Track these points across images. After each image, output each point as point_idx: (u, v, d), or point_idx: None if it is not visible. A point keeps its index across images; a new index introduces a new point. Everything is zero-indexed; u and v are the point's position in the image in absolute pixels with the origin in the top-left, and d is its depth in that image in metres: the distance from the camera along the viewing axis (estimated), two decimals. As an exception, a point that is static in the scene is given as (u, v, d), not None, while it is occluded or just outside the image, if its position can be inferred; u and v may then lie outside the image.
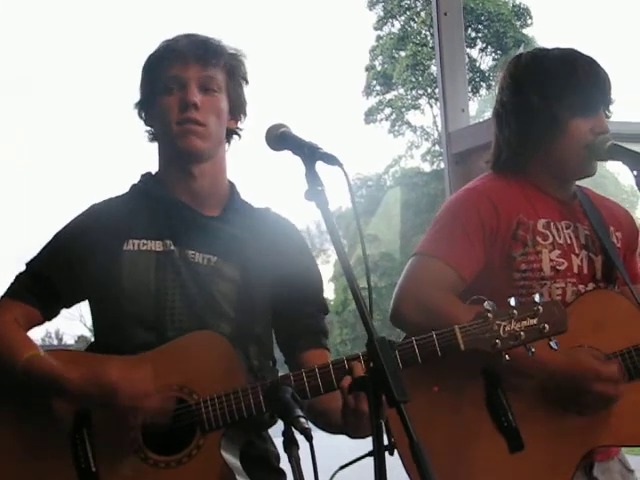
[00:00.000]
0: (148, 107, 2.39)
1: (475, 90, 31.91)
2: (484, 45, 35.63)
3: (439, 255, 2.46)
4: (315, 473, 1.71)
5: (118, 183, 2.52)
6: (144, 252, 2.30)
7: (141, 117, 2.41)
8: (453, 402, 2.43)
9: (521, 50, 2.69)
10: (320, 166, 1.83)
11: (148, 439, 2.14)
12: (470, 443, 2.41)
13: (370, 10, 36.77)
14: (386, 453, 1.67)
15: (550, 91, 2.50)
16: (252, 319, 2.29)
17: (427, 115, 37.32)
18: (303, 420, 1.78)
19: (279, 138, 1.92)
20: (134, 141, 2.46)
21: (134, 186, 2.45)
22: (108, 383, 2.08)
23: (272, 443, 2.40)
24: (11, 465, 2.18)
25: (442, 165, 3.86)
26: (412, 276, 2.47)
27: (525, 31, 35.00)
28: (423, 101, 37.15)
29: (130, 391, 2.07)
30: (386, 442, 1.67)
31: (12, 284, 2.37)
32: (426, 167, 36.85)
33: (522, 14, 34.91)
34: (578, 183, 2.72)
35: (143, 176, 2.45)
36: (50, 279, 2.34)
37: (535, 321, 2.09)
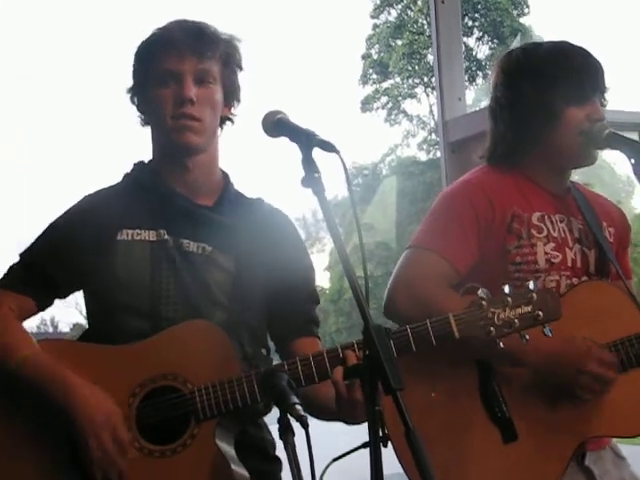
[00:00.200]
0: (141, 94, 2.37)
1: (472, 79, 31.94)
2: (481, 34, 35.62)
3: (434, 248, 2.46)
4: (311, 460, 1.71)
5: (114, 171, 2.51)
6: (138, 242, 2.30)
7: (133, 103, 2.40)
8: (447, 393, 2.44)
9: (518, 39, 2.69)
10: (317, 153, 1.82)
11: (143, 428, 2.14)
12: (464, 433, 2.41)
13: (367, -2, 36.72)
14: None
15: (543, 81, 2.50)
16: (246, 308, 2.30)
17: (423, 104, 37.35)
18: (299, 407, 1.78)
19: (276, 125, 1.91)
20: (130, 129, 2.45)
21: (127, 175, 2.44)
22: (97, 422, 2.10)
23: (268, 431, 2.40)
24: (1, 462, 2.18)
25: (438, 154, 3.87)
26: (406, 269, 2.47)
27: (522, 20, 35.01)
28: (419, 90, 37.17)
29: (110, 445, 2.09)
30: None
31: (6, 275, 2.37)
32: (422, 156, 36.90)
33: (519, 3, 34.90)
34: (574, 175, 2.72)
35: (136, 165, 2.45)
36: (44, 269, 2.33)
37: (529, 308, 2.09)
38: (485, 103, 2.70)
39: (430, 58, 33.67)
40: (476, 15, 35.29)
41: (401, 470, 2.35)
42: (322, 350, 2.12)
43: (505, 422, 2.40)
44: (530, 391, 2.40)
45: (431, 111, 36.21)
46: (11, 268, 2.37)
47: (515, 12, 35.11)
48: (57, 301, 2.41)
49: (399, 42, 36.37)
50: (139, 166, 2.44)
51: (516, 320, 2.08)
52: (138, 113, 2.40)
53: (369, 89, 37.92)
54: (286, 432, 1.75)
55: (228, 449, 2.15)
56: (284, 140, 1.88)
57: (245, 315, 2.30)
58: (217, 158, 2.42)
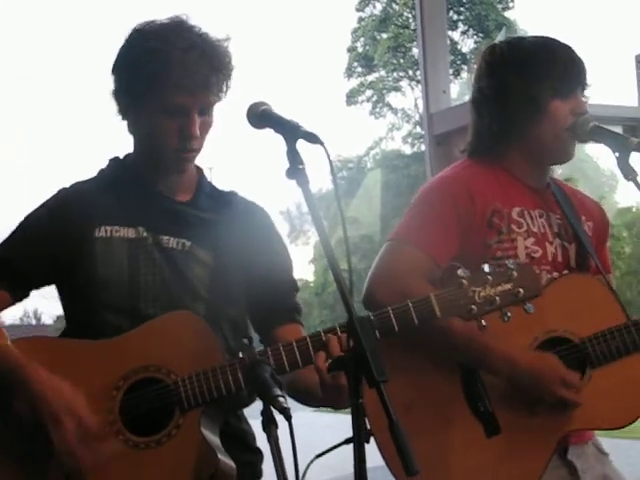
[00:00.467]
0: (136, 108, 2.29)
1: (456, 73, 31.94)
2: (466, 28, 35.66)
3: (414, 241, 2.45)
4: (294, 452, 1.71)
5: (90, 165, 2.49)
6: (116, 239, 2.29)
7: (119, 104, 2.33)
8: (430, 387, 2.44)
9: (503, 33, 2.69)
10: (301, 145, 1.82)
11: (127, 421, 2.13)
12: (447, 428, 2.41)
13: (352, -9, 36.68)
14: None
15: (529, 73, 2.50)
16: (226, 301, 2.30)
17: (408, 97, 37.39)
18: (282, 399, 1.77)
19: (260, 116, 1.91)
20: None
21: (102, 171, 2.42)
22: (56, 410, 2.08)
23: (247, 422, 2.40)
24: None
25: (423, 147, 3.88)
26: (386, 262, 2.47)
27: (507, 14, 35.07)
28: (404, 83, 37.20)
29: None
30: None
31: None
32: (407, 149, 36.95)
33: (504, -3, 34.95)
34: (558, 170, 2.72)
35: (111, 161, 2.43)
36: (18, 263, 2.31)
37: (510, 286, 2.09)
38: (469, 97, 2.69)
39: (415, 51, 33.69)
40: (461, 9, 35.33)
41: (383, 463, 2.35)
42: (305, 335, 2.12)
43: (487, 416, 2.40)
44: (512, 386, 2.40)
45: (416, 104, 36.27)
46: None
47: (500, 6, 35.17)
48: (40, 293, 2.40)
49: (384, 35, 36.38)
50: (115, 162, 2.42)
51: (497, 298, 2.07)
52: (119, 111, 2.34)
53: (354, 82, 37.94)
54: (269, 424, 1.75)
55: (214, 438, 2.15)
56: (269, 132, 1.88)
57: (226, 308, 2.30)
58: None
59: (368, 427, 1.67)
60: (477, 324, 2.07)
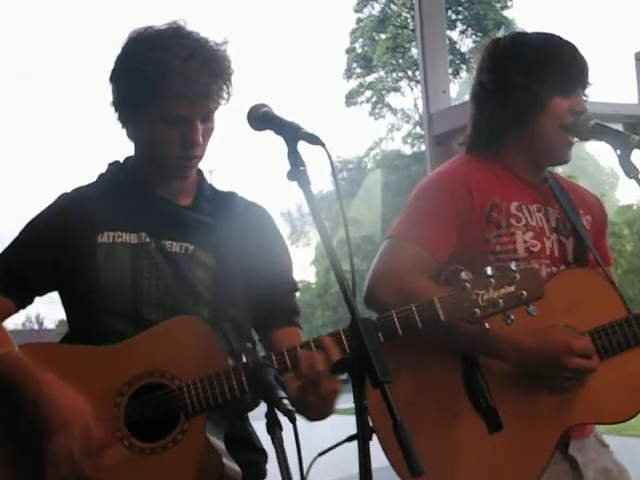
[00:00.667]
0: (135, 113, 2.28)
1: (455, 72, 31.99)
2: (464, 27, 35.68)
3: (413, 238, 2.45)
4: (299, 454, 1.71)
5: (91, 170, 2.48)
6: (119, 245, 2.29)
7: (119, 114, 2.31)
8: (432, 384, 2.43)
9: (501, 32, 2.69)
10: (302, 146, 1.82)
11: (132, 426, 2.12)
12: (449, 425, 2.41)
13: (350, -8, 36.70)
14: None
15: (532, 69, 2.50)
16: (228, 303, 2.29)
17: (407, 97, 37.42)
18: (286, 401, 1.77)
19: (261, 118, 1.91)
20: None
21: (102, 176, 2.41)
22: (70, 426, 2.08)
23: (249, 424, 2.40)
24: None
25: (423, 147, 3.88)
26: (386, 259, 2.46)
27: (505, 13, 35.10)
28: (403, 83, 37.23)
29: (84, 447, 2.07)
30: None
31: None
32: (407, 149, 36.97)
33: (502, -4, 34.96)
34: (558, 168, 2.73)
35: (111, 165, 2.42)
36: (23, 270, 2.31)
37: (512, 288, 2.10)
38: (469, 96, 2.69)
39: (414, 52, 33.75)
40: (459, 8, 35.35)
41: (388, 464, 2.35)
42: (309, 340, 2.12)
43: (490, 412, 2.40)
44: (514, 381, 2.40)
45: (415, 104, 36.29)
46: None
47: (498, 5, 35.19)
48: (42, 298, 2.39)
49: (383, 36, 36.40)
50: (115, 167, 2.41)
51: (500, 300, 2.08)
52: (118, 119, 2.32)
53: (353, 83, 37.97)
54: (273, 427, 1.75)
55: (219, 443, 2.14)
56: (269, 134, 1.87)
57: (228, 309, 2.29)
58: None
59: (371, 425, 1.67)
60: (480, 327, 2.07)
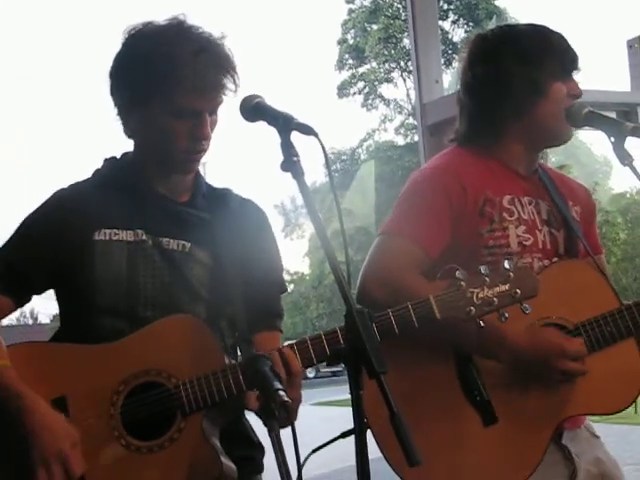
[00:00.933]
0: (141, 108, 2.25)
1: (448, 62, 31.94)
2: (456, 17, 35.69)
3: (406, 234, 2.44)
4: (295, 446, 1.71)
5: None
6: (115, 242, 2.27)
7: (122, 107, 2.29)
8: (426, 379, 2.43)
9: (493, 21, 2.69)
10: (295, 138, 1.81)
11: (128, 425, 2.12)
12: (444, 419, 2.40)
13: (342, -17, 36.67)
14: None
15: (529, 57, 2.50)
16: (224, 300, 2.28)
17: (400, 88, 37.44)
18: (282, 393, 1.77)
19: (254, 109, 1.89)
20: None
21: (98, 172, 2.40)
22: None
23: (246, 418, 2.40)
24: None
25: (416, 138, 3.87)
26: (379, 256, 2.45)
27: (497, 2, 35.07)
28: (396, 74, 37.23)
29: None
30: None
31: None
32: (400, 140, 37.00)
33: (494, -15, 34.94)
34: (552, 157, 2.72)
35: (108, 161, 2.41)
36: (20, 268, 2.29)
37: (507, 287, 2.11)
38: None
39: (406, 42, 33.74)
40: (451, -2, 35.34)
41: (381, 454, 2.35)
42: (306, 337, 2.12)
43: (484, 405, 2.40)
44: (507, 375, 2.40)
45: (408, 95, 36.31)
46: None
47: (490, -5, 35.16)
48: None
49: (375, 27, 36.39)
50: (111, 163, 2.40)
51: (495, 299, 2.10)
52: (120, 113, 2.30)
53: (345, 74, 37.98)
54: (270, 419, 1.74)
55: (215, 441, 2.14)
56: (262, 124, 1.87)
57: (224, 307, 2.29)
58: None
59: (365, 420, 1.66)
60: (475, 325, 2.08)
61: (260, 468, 2.37)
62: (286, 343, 2.15)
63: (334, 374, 27.44)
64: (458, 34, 35.38)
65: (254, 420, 2.18)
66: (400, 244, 2.42)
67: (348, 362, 1.66)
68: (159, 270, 2.26)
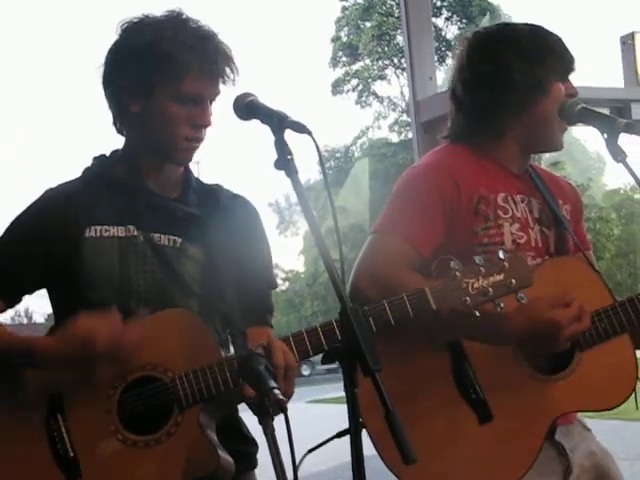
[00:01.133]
0: (141, 96, 2.26)
1: (441, 59, 31.90)
2: (449, 14, 35.62)
3: (398, 233, 2.44)
4: (291, 444, 1.71)
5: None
6: (106, 238, 2.28)
7: (123, 95, 2.29)
8: (421, 377, 2.43)
9: (487, 18, 2.68)
10: (289, 136, 1.81)
11: (125, 420, 2.12)
12: (440, 417, 2.41)
13: (335, -19, 36.63)
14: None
15: (533, 55, 2.50)
16: (217, 296, 2.29)
17: (394, 85, 37.37)
18: (277, 391, 1.77)
19: (247, 107, 1.90)
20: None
21: (88, 170, 2.40)
22: (85, 332, 2.04)
23: (239, 414, 2.40)
24: None
25: (410, 135, 3.86)
26: (371, 255, 2.45)
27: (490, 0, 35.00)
28: (389, 71, 37.16)
29: (109, 336, 2.03)
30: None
31: None
32: (394, 137, 36.94)
33: (487, -18, 34.87)
34: (545, 154, 2.72)
35: (97, 159, 2.41)
36: (10, 268, 2.30)
37: (502, 277, 2.12)
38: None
39: (399, 39, 33.69)
40: (444, -5, 35.29)
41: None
42: (302, 330, 2.13)
43: (480, 403, 2.40)
44: (502, 372, 2.40)
45: (402, 92, 36.25)
46: None
47: (483, -9, 35.11)
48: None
49: (368, 24, 36.32)
50: (101, 161, 2.40)
51: (490, 289, 2.11)
52: (119, 102, 2.31)
53: (339, 72, 37.88)
54: (265, 417, 1.74)
55: (212, 435, 2.14)
56: (256, 123, 1.87)
57: (217, 302, 2.29)
58: None
59: (360, 419, 1.66)
60: (471, 315, 2.08)
61: (254, 464, 2.37)
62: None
63: (329, 372, 27.48)
64: (451, 31, 35.32)
65: (248, 417, 2.19)
66: (392, 242, 2.42)
67: (343, 360, 1.66)
68: (151, 266, 2.26)
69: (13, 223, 2.33)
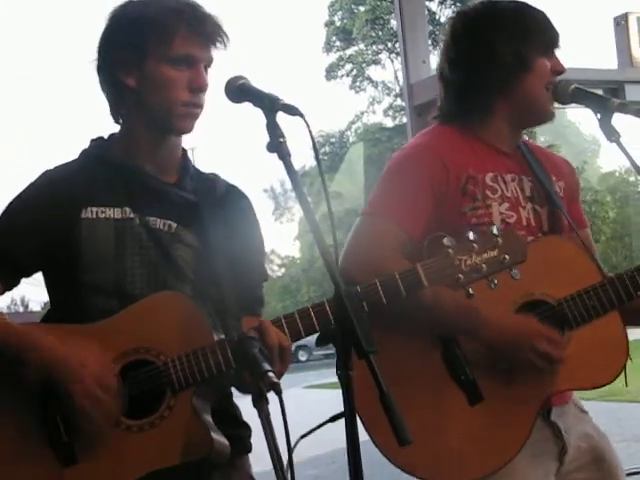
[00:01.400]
0: (134, 66, 2.25)
1: (435, 43, 31.86)
2: (443, -3, 35.55)
3: (388, 215, 2.44)
4: (286, 428, 1.70)
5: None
6: (102, 220, 2.27)
7: (113, 70, 2.28)
8: (412, 361, 2.43)
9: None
10: (282, 120, 1.80)
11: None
12: (431, 400, 2.41)
13: (328, -35, 36.55)
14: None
15: (515, 32, 2.49)
16: (210, 282, 2.28)
17: (388, 70, 37.44)
18: (271, 375, 1.77)
19: (239, 90, 1.89)
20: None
21: (85, 151, 2.39)
22: (76, 365, 2.07)
23: (232, 399, 2.40)
24: None
25: (404, 120, 3.86)
26: (360, 237, 2.45)
27: (483, -17, 34.90)
28: (384, 56, 37.15)
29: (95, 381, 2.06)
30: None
31: None
32: (388, 122, 36.96)
33: (480, -35, 34.78)
34: (540, 137, 2.72)
35: (95, 141, 2.40)
36: (9, 250, 2.28)
37: (495, 252, 2.09)
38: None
39: (393, 23, 33.62)
40: (438, -22, 35.22)
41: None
42: (294, 311, 2.12)
43: (469, 385, 2.40)
44: (492, 353, 2.40)
45: (396, 77, 36.24)
46: None
47: (477, -25, 35.02)
48: (27, 280, 2.37)
49: (362, 8, 36.28)
50: (100, 142, 2.39)
51: (483, 265, 2.07)
52: (115, 82, 2.29)
53: (333, 57, 37.88)
54: (260, 400, 1.74)
55: (207, 417, 2.14)
56: (248, 106, 1.86)
57: (210, 290, 2.28)
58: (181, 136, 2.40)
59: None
60: (465, 292, 2.07)
61: (248, 448, 2.37)
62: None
63: (326, 357, 27.51)
64: (445, 14, 35.24)
65: (242, 402, 2.19)
66: (382, 225, 2.42)
67: (337, 343, 1.66)
68: (146, 249, 2.25)
69: (11, 204, 2.33)
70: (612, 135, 2.35)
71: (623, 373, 2.47)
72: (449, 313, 2.35)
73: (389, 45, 36.01)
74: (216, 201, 2.34)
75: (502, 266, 2.08)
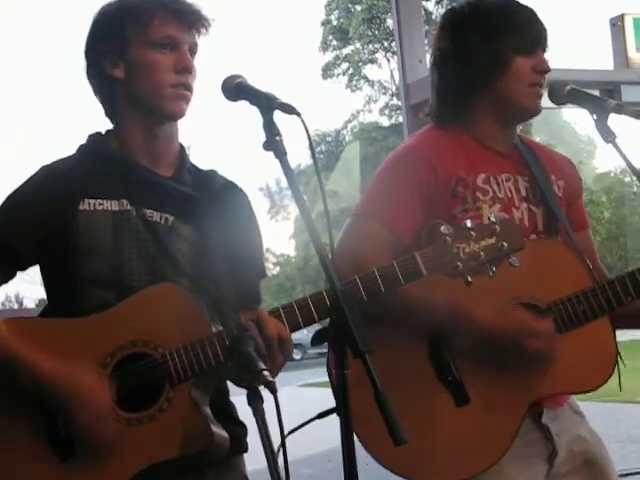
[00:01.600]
0: (120, 56, 2.28)
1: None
2: (439, -3, 35.56)
3: (377, 216, 2.44)
4: (280, 426, 1.71)
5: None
6: (100, 212, 2.27)
7: (101, 66, 2.30)
8: (399, 363, 2.41)
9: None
10: (279, 119, 1.81)
11: (117, 398, 2.11)
12: (419, 402, 2.39)
13: (325, -36, 36.55)
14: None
15: (490, 30, 2.49)
16: (207, 276, 2.28)
17: (384, 69, 37.39)
18: (266, 373, 1.77)
19: (235, 88, 1.89)
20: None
21: (82, 146, 2.40)
22: (77, 393, 2.08)
23: (229, 397, 2.40)
24: None
25: (400, 119, 3.87)
26: (349, 238, 2.44)
27: (480, -18, 34.91)
28: (380, 55, 37.16)
29: (94, 412, 2.07)
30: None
31: None
32: (384, 121, 36.98)
33: (476, -35, 34.80)
34: (536, 137, 2.72)
35: (93, 136, 2.41)
36: (7, 242, 2.29)
37: (493, 240, 2.08)
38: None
39: (390, 22, 33.66)
40: (434, -22, 35.23)
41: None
42: (292, 302, 2.11)
43: (456, 386, 2.39)
44: (480, 354, 2.39)
45: (392, 76, 36.25)
46: None
47: (473, -26, 35.02)
48: (22, 277, 2.39)
49: (358, 7, 36.28)
50: (96, 137, 2.40)
51: (481, 253, 2.06)
52: (104, 77, 2.31)
53: (329, 56, 37.88)
54: (255, 399, 1.74)
55: (206, 410, 2.14)
56: (245, 105, 1.86)
57: (207, 285, 2.28)
58: (178, 128, 2.40)
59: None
60: (464, 281, 2.06)
61: (244, 447, 2.37)
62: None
63: (321, 355, 27.56)
64: (441, 14, 35.29)
65: (238, 401, 2.19)
66: (371, 226, 2.43)
67: (332, 342, 1.66)
68: (143, 241, 2.26)
69: (9, 198, 2.34)
70: (608, 136, 2.35)
71: (617, 377, 2.46)
72: (440, 311, 2.35)
73: (385, 44, 36.01)
74: (214, 196, 2.34)
75: (500, 253, 2.07)
